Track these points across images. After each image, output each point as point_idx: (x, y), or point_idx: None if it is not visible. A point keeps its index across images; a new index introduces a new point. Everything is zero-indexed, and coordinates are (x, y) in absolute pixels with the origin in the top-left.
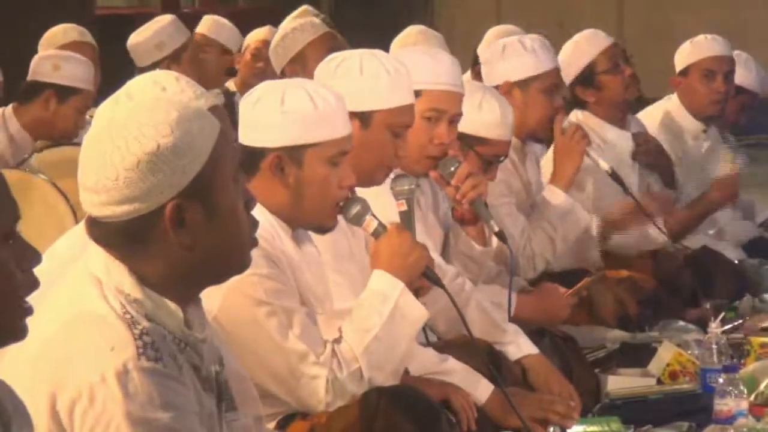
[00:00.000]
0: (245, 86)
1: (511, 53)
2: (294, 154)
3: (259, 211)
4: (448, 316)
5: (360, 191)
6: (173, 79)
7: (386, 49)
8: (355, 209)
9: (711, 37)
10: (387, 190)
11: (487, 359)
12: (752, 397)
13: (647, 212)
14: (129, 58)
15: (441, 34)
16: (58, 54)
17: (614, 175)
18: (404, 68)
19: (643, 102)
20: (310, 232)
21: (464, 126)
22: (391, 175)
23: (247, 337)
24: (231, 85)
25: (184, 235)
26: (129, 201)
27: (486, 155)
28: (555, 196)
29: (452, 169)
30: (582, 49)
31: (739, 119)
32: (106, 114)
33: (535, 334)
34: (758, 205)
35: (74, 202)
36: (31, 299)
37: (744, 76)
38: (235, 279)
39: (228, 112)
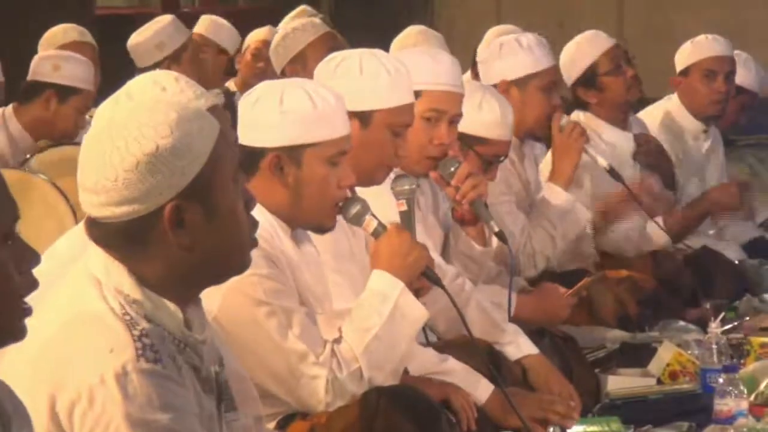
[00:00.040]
0: (246, 86)
1: (508, 52)
2: (293, 153)
3: (258, 211)
4: (448, 316)
5: (360, 191)
6: (173, 80)
7: (386, 49)
8: (355, 209)
9: (712, 38)
10: (387, 190)
11: (487, 359)
12: (752, 397)
13: (640, 201)
14: (129, 58)
15: (441, 34)
16: (58, 54)
17: (612, 172)
18: (404, 67)
19: (643, 102)
20: (310, 232)
21: (464, 126)
22: (392, 176)
23: (246, 337)
24: (231, 85)
25: (183, 235)
26: (128, 202)
27: (486, 155)
28: (555, 194)
29: (452, 169)
30: (584, 50)
31: (739, 119)
32: (105, 114)
33: (535, 334)
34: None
35: (74, 202)
36: (31, 299)
37: (744, 76)
38: (234, 279)
39: (228, 112)
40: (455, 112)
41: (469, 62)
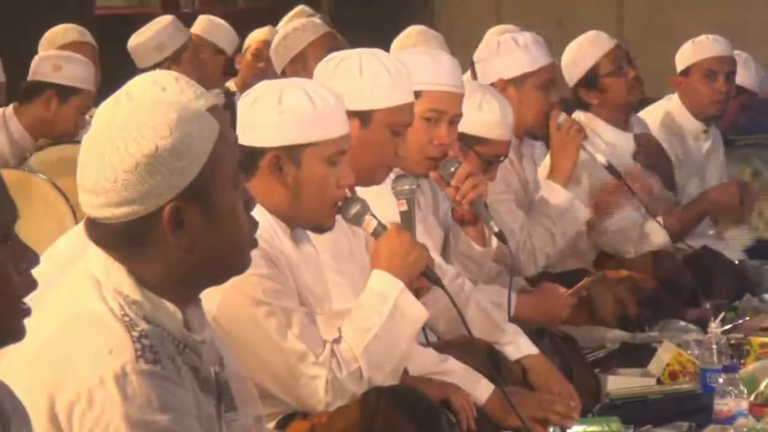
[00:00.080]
0: (246, 86)
1: (504, 50)
2: (292, 153)
3: (257, 211)
4: (448, 316)
5: (360, 191)
6: (173, 79)
7: (386, 49)
8: (355, 209)
9: (713, 38)
10: (387, 189)
11: (487, 359)
12: (752, 397)
13: (632, 189)
14: (129, 58)
15: (441, 34)
16: (59, 54)
17: (611, 168)
18: (404, 67)
19: (642, 102)
20: (309, 232)
21: (464, 126)
22: (392, 176)
23: (246, 338)
24: (231, 85)
25: (182, 236)
26: (127, 203)
27: (486, 155)
28: (554, 191)
29: (452, 169)
30: (585, 51)
31: (738, 119)
32: (105, 114)
33: (535, 334)
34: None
35: (74, 202)
36: (31, 299)
37: (744, 75)
38: (234, 279)
39: (228, 112)
40: (455, 112)
41: (469, 62)
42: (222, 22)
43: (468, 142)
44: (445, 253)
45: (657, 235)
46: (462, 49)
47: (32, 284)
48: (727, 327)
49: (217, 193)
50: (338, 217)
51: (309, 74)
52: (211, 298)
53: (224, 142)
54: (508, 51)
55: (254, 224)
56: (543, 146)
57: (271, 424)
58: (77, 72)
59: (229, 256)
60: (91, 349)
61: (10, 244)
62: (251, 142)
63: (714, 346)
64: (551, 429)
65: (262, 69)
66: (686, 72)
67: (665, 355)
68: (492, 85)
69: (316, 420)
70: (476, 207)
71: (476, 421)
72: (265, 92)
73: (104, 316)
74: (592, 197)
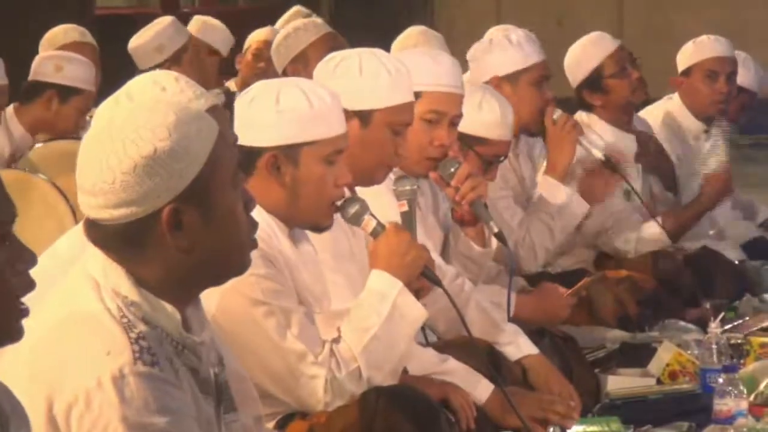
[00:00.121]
0: (246, 86)
1: (497, 48)
2: (290, 153)
3: (256, 211)
4: (448, 317)
5: (360, 191)
6: (173, 79)
7: (386, 49)
8: (354, 209)
9: (714, 38)
10: (387, 189)
11: (487, 359)
12: (752, 397)
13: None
14: (129, 58)
15: (441, 34)
16: (60, 54)
17: (608, 163)
18: (404, 67)
19: (643, 102)
20: (308, 232)
21: (464, 126)
22: (392, 176)
23: (245, 338)
24: (231, 85)
25: (181, 238)
26: (126, 204)
27: (486, 155)
28: (552, 186)
29: (452, 170)
30: (588, 52)
31: (738, 119)
32: (105, 114)
33: (535, 334)
34: (758, 205)
35: (74, 202)
36: (30, 300)
37: (743, 75)
38: (233, 279)
39: (228, 112)
40: (455, 113)
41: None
42: (216, 22)
43: (468, 142)
44: (444, 253)
45: (656, 235)
46: (462, 49)
47: (30, 284)
48: (727, 327)
49: (216, 194)
50: (339, 217)
51: (310, 74)
52: (210, 298)
53: (223, 143)
54: (501, 48)
55: (254, 225)
56: (543, 147)
57: (271, 424)
58: (78, 72)
59: (228, 256)
60: (88, 351)
61: (8, 245)
62: (248, 142)
63: (714, 346)
64: (551, 429)
65: (263, 69)
66: (687, 72)
67: (665, 355)
68: (486, 83)
69: (315, 420)
70: (476, 207)
71: (476, 421)
72: (262, 92)
73: (101, 316)
74: (579, 184)
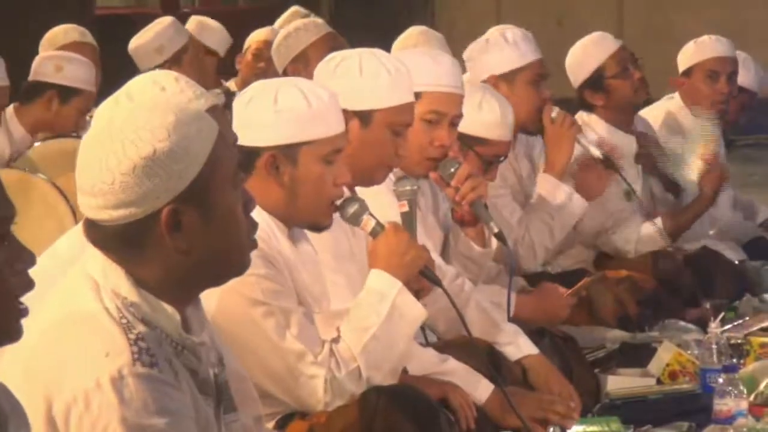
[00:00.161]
0: (246, 87)
1: (493, 47)
2: (289, 152)
3: (255, 211)
4: (448, 317)
5: (360, 191)
6: (173, 79)
7: (386, 49)
8: (353, 208)
9: (715, 38)
10: (387, 190)
11: (487, 359)
12: (752, 397)
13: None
14: (129, 58)
15: (441, 34)
16: (60, 55)
17: (606, 161)
18: (404, 67)
19: (644, 102)
20: (308, 232)
21: (464, 126)
22: (393, 177)
23: (244, 338)
24: (231, 85)
25: (180, 239)
26: (125, 205)
27: (486, 155)
28: (550, 184)
29: (452, 170)
30: (590, 52)
31: (738, 119)
32: (105, 115)
33: (535, 334)
34: (758, 205)
35: (74, 202)
36: (30, 300)
37: (743, 75)
38: (232, 279)
39: (228, 112)
40: (456, 113)
41: None
42: (213, 22)
43: (468, 142)
44: (444, 253)
45: (656, 235)
46: (462, 49)
47: (29, 284)
48: (727, 327)
49: (216, 195)
50: (339, 217)
51: (310, 74)
52: (209, 298)
53: (223, 143)
54: (497, 47)
55: (254, 225)
56: (543, 147)
57: (270, 424)
58: (79, 73)
59: (228, 257)
60: (87, 351)
61: (7, 245)
62: (247, 142)
63: (714, 346)
64: (551, 429)
65: (263, 69)
66: (688, 72)
67: (665, 355)
68: (483, 82)
69: (315, 420)
70: (476, 208)
71: (476, 421)
72: (261, 92)
73: (100, 316)
74: (575, 180)
